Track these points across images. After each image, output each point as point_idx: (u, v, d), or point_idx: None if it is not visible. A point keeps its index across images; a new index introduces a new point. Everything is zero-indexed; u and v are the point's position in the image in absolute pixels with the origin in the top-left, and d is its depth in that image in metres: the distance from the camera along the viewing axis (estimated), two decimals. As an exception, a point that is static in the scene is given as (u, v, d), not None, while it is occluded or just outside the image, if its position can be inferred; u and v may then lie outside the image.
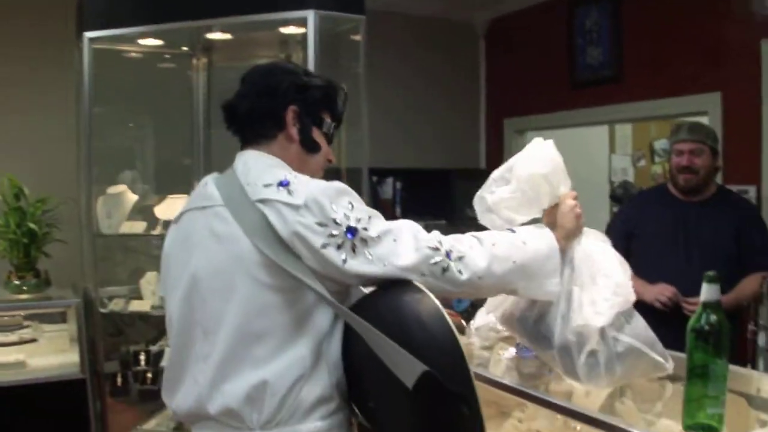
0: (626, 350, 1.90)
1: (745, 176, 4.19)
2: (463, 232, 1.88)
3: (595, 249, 2.03)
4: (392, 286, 1.73)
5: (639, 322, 1.96)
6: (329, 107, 1.99)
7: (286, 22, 3.84)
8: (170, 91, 4.81)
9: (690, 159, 3.54)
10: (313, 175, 1.91)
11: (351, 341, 1.76)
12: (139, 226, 4.16)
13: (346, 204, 1.74)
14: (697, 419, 1.74)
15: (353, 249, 1.70)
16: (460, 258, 1.79)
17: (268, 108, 1.92)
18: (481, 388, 1.63)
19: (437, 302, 1.65)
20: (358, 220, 1.72)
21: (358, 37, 3.80)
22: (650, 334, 1.96)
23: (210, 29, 4.17)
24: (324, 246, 1.69)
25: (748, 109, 4.32)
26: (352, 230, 1.71)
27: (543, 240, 1.94)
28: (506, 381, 2.11)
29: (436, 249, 1.76)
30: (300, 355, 1.74)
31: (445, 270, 1.76)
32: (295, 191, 1.74)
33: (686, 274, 3.24)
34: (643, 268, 3.59)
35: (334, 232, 1.70)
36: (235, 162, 1.93)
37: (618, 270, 2.01)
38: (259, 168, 1.85)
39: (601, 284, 1.97)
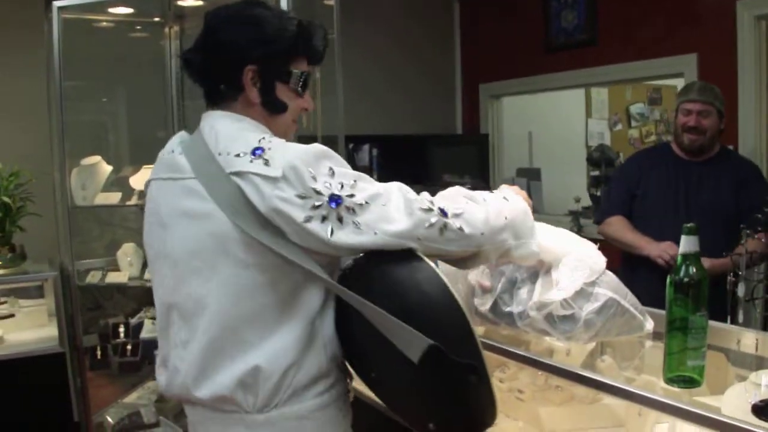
0: (605, 304, 1.90)
1: (722, 137, 4.18)
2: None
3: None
4: (384, 254, 1.59)
5: (611, 277, 1.97)
6: (303, 52, 1.78)
7: (259, -14, 3.78)
8: (142, 60, 4.73)
9: (697, 120, 3.56)
10: (285, 133, 1.79)
11: (346, 312, 1.65)
12: (114, 197, 4.10)
13: (326, 170, 1.58)
14: (678, 372, 1.75)
15: (339, 219, 1.55)
16: (458, 215, 1.66)
17: (221, 68, 1.74)
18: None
19: (436, 269, 1.55)
20: (341, 187, 1.57)
21: (331, 2, 3.74)
22: (624, 288, 1.97)
23: (181, -4, 4.12)
24: (307, 220, 1.54)
25: (724, 70, 4.32)
26: (336, 199, 1.55)
27: (518, 198, 1.86)
28: (488, 340, 2.10)
29: (429, 210, 1.62)
30: (293, 337, 1.64)
31: (443, 230, 1.63)
32: (271, 160, 1.58)
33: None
34: (645, 227, 3.61)
35: (317, 203, 1.54)
36: (201, 124, 1.77)
37: (576, 245, 2.04)
38: (228, 133, 1.69)
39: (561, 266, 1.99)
